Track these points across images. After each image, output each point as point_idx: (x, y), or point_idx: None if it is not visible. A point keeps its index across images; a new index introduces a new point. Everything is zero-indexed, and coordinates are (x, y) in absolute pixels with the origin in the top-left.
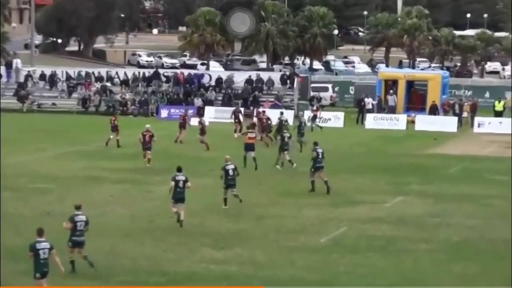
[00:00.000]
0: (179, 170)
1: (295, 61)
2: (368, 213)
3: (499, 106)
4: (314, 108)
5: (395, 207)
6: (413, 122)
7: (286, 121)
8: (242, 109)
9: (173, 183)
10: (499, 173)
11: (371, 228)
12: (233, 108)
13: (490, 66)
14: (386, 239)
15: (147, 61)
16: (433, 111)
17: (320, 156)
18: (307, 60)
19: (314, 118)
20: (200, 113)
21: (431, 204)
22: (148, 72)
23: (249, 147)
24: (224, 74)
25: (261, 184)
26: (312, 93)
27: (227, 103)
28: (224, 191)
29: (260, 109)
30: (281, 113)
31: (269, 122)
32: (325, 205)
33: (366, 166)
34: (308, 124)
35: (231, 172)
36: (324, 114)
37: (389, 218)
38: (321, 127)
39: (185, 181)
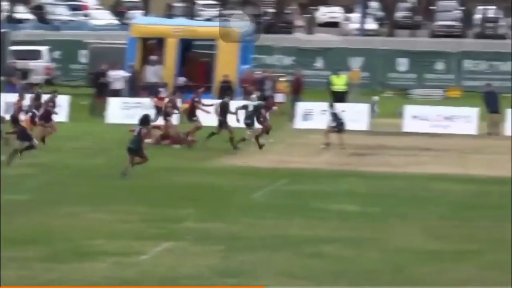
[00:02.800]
0: None
1: None
2: (110, 272)
3: (339, 84)
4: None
5: (157, 262)
6: None
7: None
8: None
9: None
10: (340, 199)
11: None
12: None
13: (325, 13)
14: None
15: None
16: (226, 91)
17: None
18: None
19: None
20: None
21: (222, 254)
22: None
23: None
24: None
25: None
26: (9, 62)
27: None
28: None
29: None
30: None
31: None
32: (25, 259)
33: (108, 190)
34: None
35: None
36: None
37: (148, 279)
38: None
39: None
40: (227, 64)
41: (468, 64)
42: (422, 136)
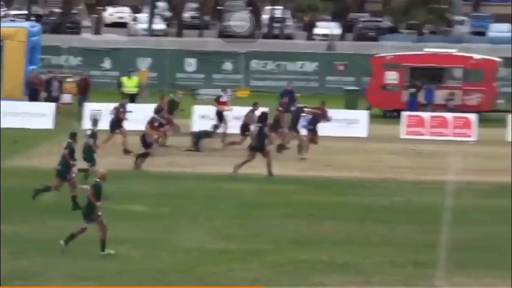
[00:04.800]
0: None
1: None
2: None
3: (130, 85)
4: None
5: None
6: None
7: None
8: None
9: None
10: (129, 200)
11: None
12: None
13: (113, 14)
14: None
15: None
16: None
17: None
18: None
19: None
20: None
21: (10, 256)
22: None
23: None
24: None
25: None
26: None
27: None
28: None
29: None
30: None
31: None
32: None
33: None
34: None
35: None
36: None
37: None
38: None
39: None
40: (14, 64)
41: (255, 64)
42: None
